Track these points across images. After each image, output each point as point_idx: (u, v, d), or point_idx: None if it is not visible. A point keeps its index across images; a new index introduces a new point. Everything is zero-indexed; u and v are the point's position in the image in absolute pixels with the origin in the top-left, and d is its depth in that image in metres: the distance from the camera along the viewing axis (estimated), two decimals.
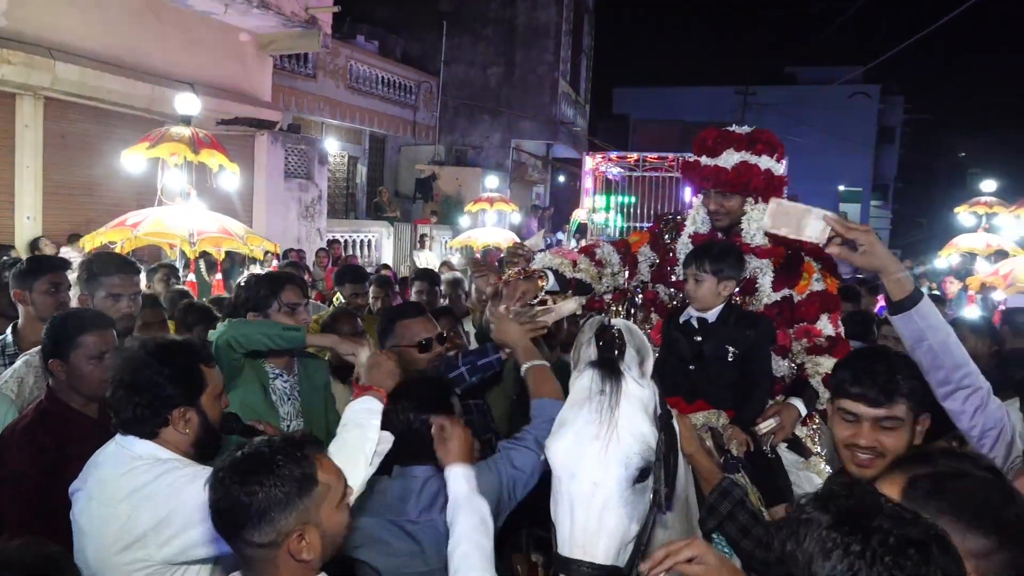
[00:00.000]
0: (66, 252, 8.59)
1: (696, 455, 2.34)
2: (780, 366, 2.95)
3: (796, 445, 2.83)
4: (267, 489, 1.62)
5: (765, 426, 2.69)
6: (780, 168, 2.98)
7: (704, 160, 2.98)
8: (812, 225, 2.14)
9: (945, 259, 12.56)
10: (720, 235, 3.03)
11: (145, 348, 2.15)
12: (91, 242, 6.52)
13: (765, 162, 2.91)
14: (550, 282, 2.98)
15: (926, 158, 42.71)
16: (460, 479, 2.11)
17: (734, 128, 3.03)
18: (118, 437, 2.14)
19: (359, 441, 2.13)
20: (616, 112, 34.18)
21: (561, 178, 25.06)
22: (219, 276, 6.99)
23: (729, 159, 2.91)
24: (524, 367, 2.59)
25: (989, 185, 12.51)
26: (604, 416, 1.86)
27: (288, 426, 3.01)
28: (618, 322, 2.09)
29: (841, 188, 35.73)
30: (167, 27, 10.60)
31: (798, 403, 2.79)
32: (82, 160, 9.95)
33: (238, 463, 1.67)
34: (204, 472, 1.99)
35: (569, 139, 22.75)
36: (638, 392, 1.94)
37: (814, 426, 2.93)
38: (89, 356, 2.69)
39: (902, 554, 1.17)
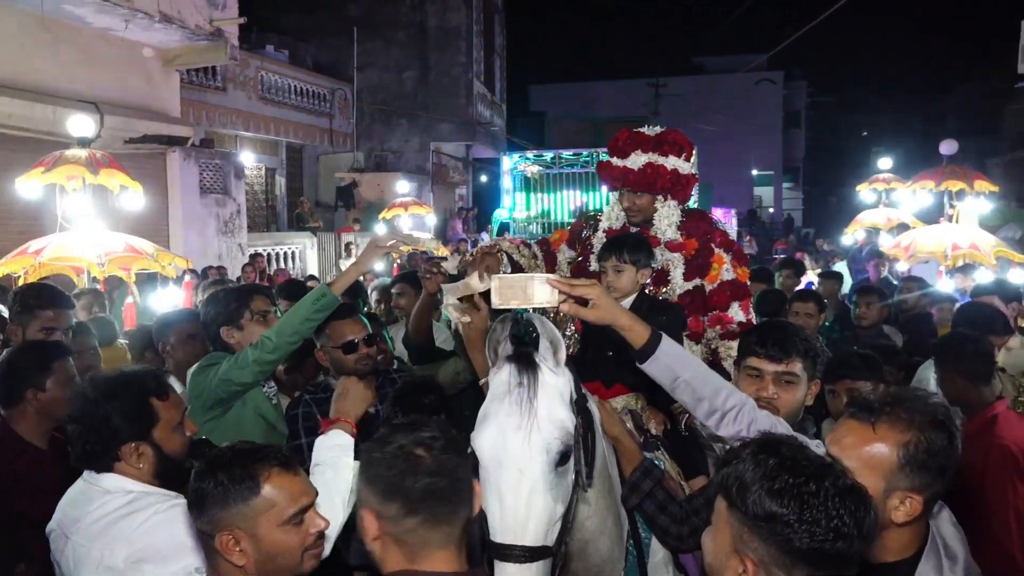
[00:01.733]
0: None
1: (620, 437, 2.46)
2: (694, 351, 3.13)
3: None
4: (210, 483, 1.71)
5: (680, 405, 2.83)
6: (687, 167, 3.15)
7: (615, 161, 3.16)
8: (539, 291, 2.09)
9: (851, 235, 13.16)
10: (633, 230, 3.20)
11: (93, 384, 2.16)
12: None
13: (672, 162, 3.09)
14: (504, 262, 3.11)
15: (832, 139, 44.50)
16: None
17: (645, 129, 3.20)
18: (85, 474, 2.14)
19: (333, 483, 2.19)
20: (533, 110, 34.50)
21: (483, 178, 25.18)
22: (130, 299, 6.74)
23: (637, 160, 3.09)
24: (483, 381, 2.73)
25: (886, 163, 13.18)
26: (524, 407, 1.96)
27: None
28: (531, 316, 2.19)
29: (754, 172, 36.88)
30: (65, 46, 10.26)
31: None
32: None
33: (213, 456, 1.80)
34: (177, 506, 2.03)
35: (488, 139, 22.88)
36: (554, 381, 2.05)
37: None
38: (62, 382, 2.78)
39: (846, 497, 1.38)
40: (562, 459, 1.97)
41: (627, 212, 3.19)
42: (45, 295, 3.64)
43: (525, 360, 2.04)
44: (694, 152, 3.37)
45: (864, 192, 12.81)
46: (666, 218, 3.13)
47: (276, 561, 1.75)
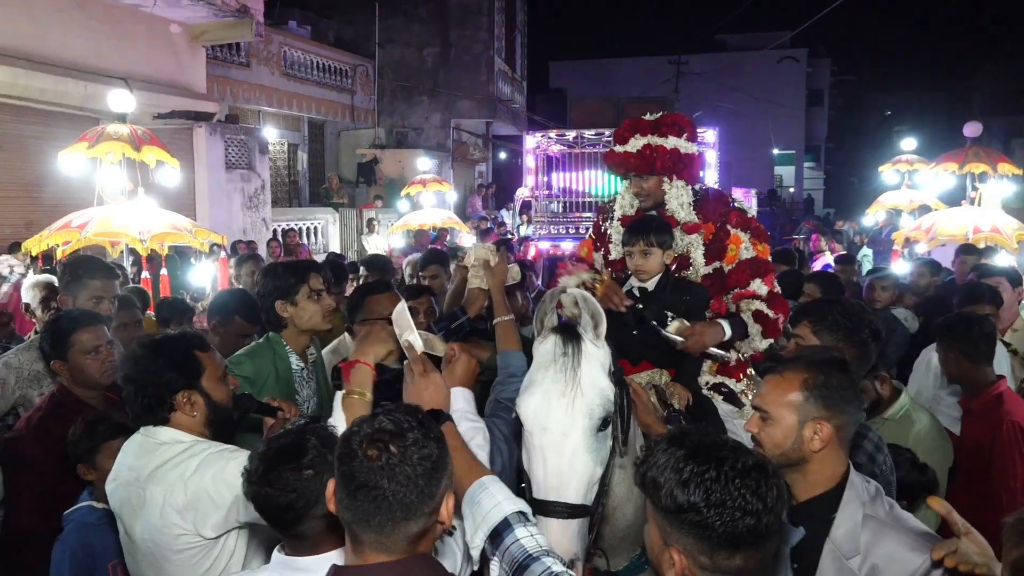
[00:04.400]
0: (5, 261, 8.45)
1: (652, 424, 2.54)
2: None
3: (731, 396, 3.11)
4: (321, 465, 1.78)
5: (672, 327, 2.89)
6: (690, 146, 3.18)
7: (617, 148, 3.24)
8: (414, 341, 2.20)
9: (872, 216, 13.11)
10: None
11: (140, 344, 2.33)
12: (36, 246, 6.44)
13: (671, 142, 3.12)
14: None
15: (854, 118, 43.99)
16: (459, 399, 2.23)
17: (648, 116, 3.27)
18: (141, 430, 2.31)
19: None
20: (553, 87, 34.36)
21: (502, 155, 25.21)
22: (164, 272, 6.96)
23: (635, 144, 3.16)
24: (495, 320, 2.96)
25: (910, 143, 13.04)
26: (568, 375, 2.10)
27: (307, 408, 3.13)
28: (575, 292, 2.33)
29: (775, 151, 36.59)
30: (96, 23, 10.41)
31: (724, 322, 3.00)
32: (17, 163, 9.77)
33: (282, 454, 1.81)
34: (228, 454, 2.19)
35: (508, 116, 22.88)
36: (595, 352, 2.18)
37: (747, 379, 3.21)
38: (85, 351, 2.92)
39: (747, 475, 1.46)
40: (603, 424, 2.10)
41: (637, 197, 3.26)
42: (93, 266, 3.82)
43: (569, 332, 2.17)
44: (710, 132, 3.41)
45: (887, 173, 12.72)
46: (676, 198, 3.18)
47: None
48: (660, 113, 3.25)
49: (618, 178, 3.55)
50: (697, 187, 3.28)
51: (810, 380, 1.96)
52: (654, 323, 2.89)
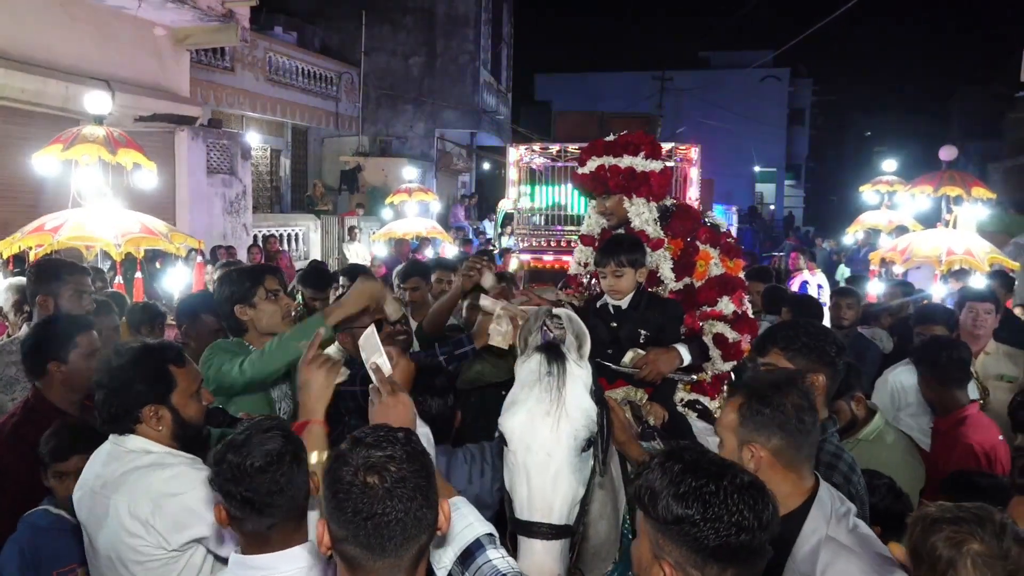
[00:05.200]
0: None
1: (626, 443, 2.56)
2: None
3: (706, 414, 3.13)
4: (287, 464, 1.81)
5: (627, 358, 2.90)
6: (649, 164, 3.21)
7: (579, 170, 3.30)
8: (382, 364, 2.22)
9: (852, 235, 13.27)
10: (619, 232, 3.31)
11: (117, 352, 2.31)
12: (8, 248, 6.36)
13: (627, 161, 3.19)
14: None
15: (835, 138, 44.56)
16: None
17: (608, 139, 3.31)
18: (111, 437, 2.29)
19: None
20: (539, 99, 34.50)
21: (486, 166, 25.25)
22: (138, 275, 6.88)
23: (591, 166, 3.21)
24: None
25: (890, 164, 13.24)
26: (553, 395, 2.10)
27: (279, 407, 3.14)
28: (557, 311, 2.33)
29: (757, 169, 36.94)
30: (79, 23, 10.32)
31: (681, 348, 3.02)
32: None
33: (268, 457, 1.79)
34: (196, 470, 2.18)
35: (492, 128, 22.93)
36: (579, 372, 2.18)
37: (723, 397, 3.24)
38: (86, 354, 2.92)
39: (745, 492, 1.49)
40: (587, 445, 2.10)
41: (603, 216, 3.32)
42: (67, 263, 3.85)
43: (553, 351, 2.17)
44: (692, 148, 3.47)
45: (867, 193, 12.88)
46: (638, 215, 3.21)
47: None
48: (621, 133, 3.31)
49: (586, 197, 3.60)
50: (669, 203, 3.32)
51: (744, 404, 2.04)
52: (606, 363, 2.86)
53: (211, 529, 2.11)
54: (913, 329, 4.78)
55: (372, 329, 2.28)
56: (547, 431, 2.05)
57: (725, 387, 3.21)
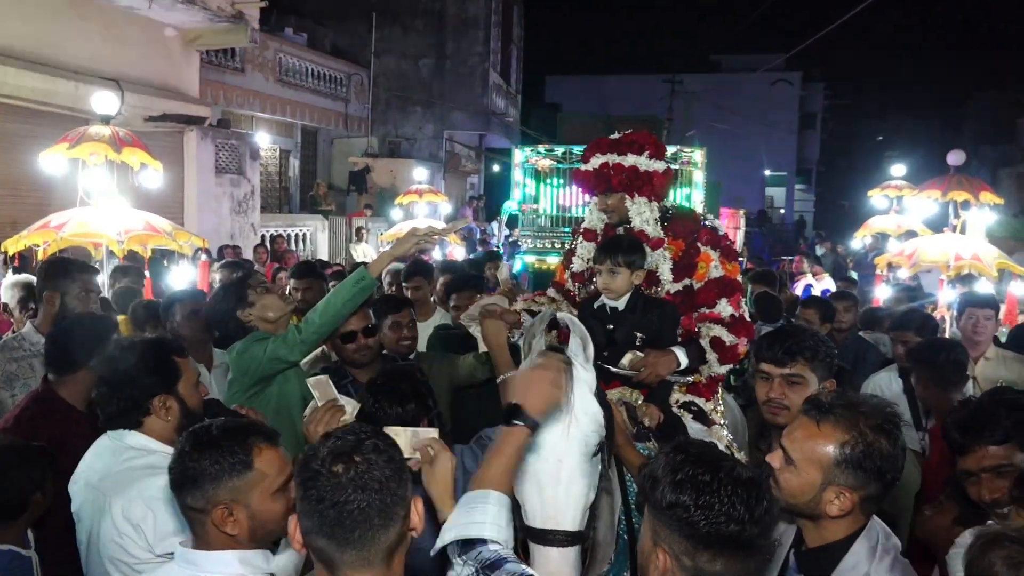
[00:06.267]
0: None
1: (623, 445, 2.55)
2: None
3: (701, 415, 3.12)
4: (205, 461, 1.79)
5: (626, 360, 2.89)
6: (652, 164, 3.18)
7: (582, 167, 3.29)
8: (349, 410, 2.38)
9: (860, 240, 13.21)
10: (620, 230, 3.30)
11: (120, 347, 2.36)
12: (14, 245, 6.40)
13: (630, 160, 3.16)
14: (525, 319, 3.20)
15: (846, 143, 44.30)
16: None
17: (613, 136, 3.30)
18: (109, 433, 2.31)
19: None
20: (548, 101, 34.49)
21: (495, 168, 25.26)
22: (147, 275, 6.92)
23: (594, 163, 3.20)
24: (500, 377, 2.90)
25: (899, 169, 13.18)
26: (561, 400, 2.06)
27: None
28: (562, 316, 2.34)
29: (767, 173, 36.82)
30: (89, 23, 10.40)
31: (678, 351, 2.99)
32: (5, 160, 9.72)
33: (194, 433, 1.85)
34: None
35: (501, 129, 22.95)
36: (585, 376, 2.15)
37: (718, 399, 3.24)
38: None
39: (739, 485, 1.52)
40: (596, 450, 2.08)
41: (604, 214, 3.31)
42: (77, 261, 3.91)
43: (559, 355, 2.13)
44: (698, 152, 3.46)
45: (876, 197, 12.83)
46: (639, 215, 3.20)
47: (267, 527, 1.86)
48: (626, 132, 3.30)
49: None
50: (668, 205, 3.31)
51: (850, 444, 1.78)
52: (604, 365, 2.84)
53: None
54: (889, 334, 4.80)
55: (326, 378, 2.38)
56: (556, 437, 2.02)
57: (720, 388, 3.21)
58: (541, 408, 1.90)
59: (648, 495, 1.58)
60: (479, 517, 1.73)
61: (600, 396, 2.22)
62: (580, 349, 2.19)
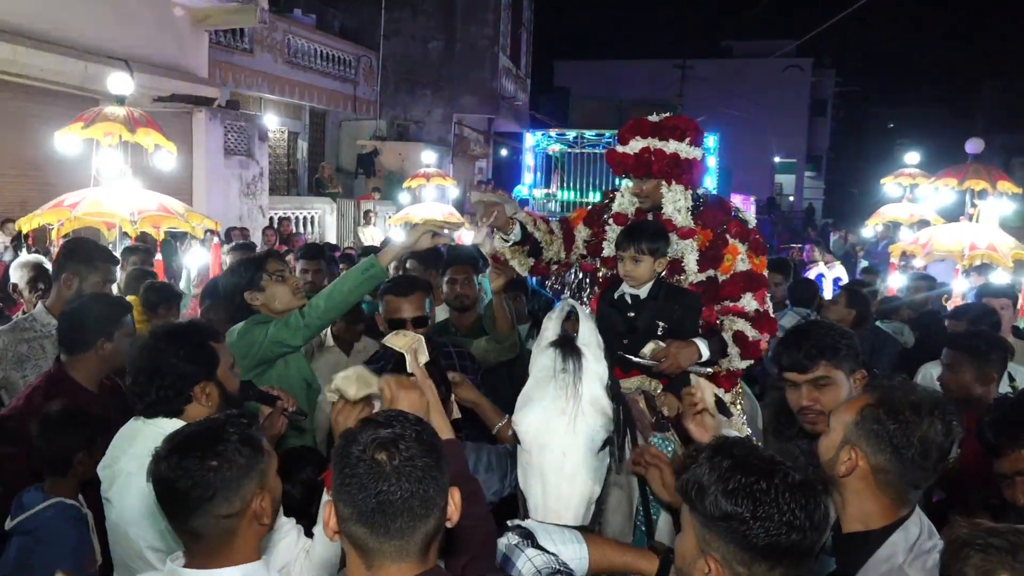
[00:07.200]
0: None
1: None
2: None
3: (721, 406, 3.07)
4: (237, 456, 1.69)
5: (647, 349, 2.82)
6: (692, 151, 3.11)
7: (618, 148, 3.19)
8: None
9: (872, 228, 13.11)
10: (649, 216, 3.23)
11: (156, 335, 2.33)
12: (28, 224, 6.40)
13: (672, 147, 3.07)
14: (516, 230, 3.23)
15: (857, 130, 44.01)
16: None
17: (652, 117, 3.21)
18: (145, 419, 2.27)
19: None
20: (558, 85, 34.31)
21: (504, 152, 25.16)
22: (159, 257, 6.92)
23: (635, 146, 3.11)
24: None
25: (913, 157, 13.05)
26: (568, 392, 2.04)
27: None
28: (576, 306, 2.29)
29: (777, 159, 36.60)
30: (99, 3, 10.34)
31: (701, 343, 2.92)
32: (14, 140, 9.70)
33: (191, 440, 1.72)
34: None
35: (510, 113, 22.83)
36: (596, 368, 2.11)
37: (737, 391, 3.19)
38: (127, 335, 2.99)
39: (796, 491, 1.44)
40: (604, 444, 2.04)
41: (636, 198, 3.23)
42: (103, 249, 3.93)
43: (569, 346, 2.10)
44: (709, 138, 3.37)
45: (889, 186, 12.72)
46: (672, 203, 3.13)
47: (278, 505, 1.84)
48: (665, 115, 3.20)
49: (618, 179, 3.51)
50: (700, 192, 3.23)
51: (870, 408, 1.81)
52: (626, 355, 2.79)
53: None
54: (944, 322, 4.68)
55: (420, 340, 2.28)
56: (562, 429, 1.99)
57: (740, 382, 3.16)
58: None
59: (695, 504, 1.50)
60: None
61: (613, 390, 2.18)
62: (593, 340, 2.14)
